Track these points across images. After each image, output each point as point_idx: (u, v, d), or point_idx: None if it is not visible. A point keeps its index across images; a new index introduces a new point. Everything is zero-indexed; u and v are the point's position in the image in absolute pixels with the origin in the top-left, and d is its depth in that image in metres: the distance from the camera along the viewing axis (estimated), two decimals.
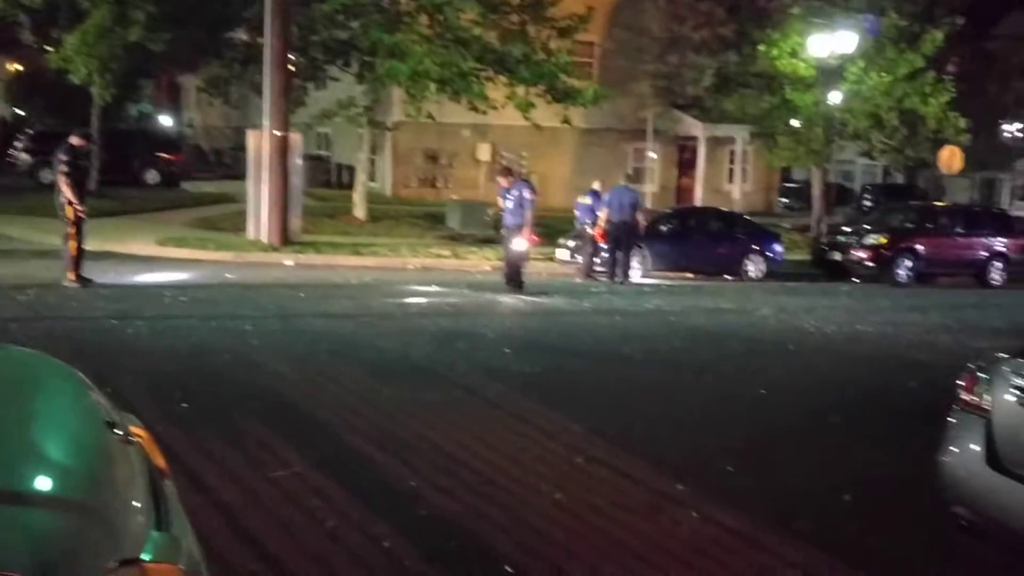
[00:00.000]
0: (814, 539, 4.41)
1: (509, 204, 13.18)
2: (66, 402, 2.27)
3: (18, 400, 2.22)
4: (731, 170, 33.17)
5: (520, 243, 13.02)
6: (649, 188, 30.50)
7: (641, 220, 15.61)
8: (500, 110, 19.74)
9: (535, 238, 13.84)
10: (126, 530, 1.77)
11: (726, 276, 17.83)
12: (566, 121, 20.71)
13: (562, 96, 20.23)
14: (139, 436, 2.39)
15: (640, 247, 16.32)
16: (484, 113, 20.18)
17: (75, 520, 1.67)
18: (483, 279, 14.95)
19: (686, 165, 33.32)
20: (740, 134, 30.52)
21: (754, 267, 18.12)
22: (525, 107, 19.71)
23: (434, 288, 13.01)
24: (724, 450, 5.81)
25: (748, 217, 20.38)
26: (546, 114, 20.64)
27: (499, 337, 9.39)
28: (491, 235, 20.24)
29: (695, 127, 31.16)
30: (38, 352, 2.74)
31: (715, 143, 31.68)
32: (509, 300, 12.32)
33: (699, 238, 18.10)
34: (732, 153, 32.67)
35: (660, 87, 31.39)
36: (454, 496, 4.72)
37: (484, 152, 29.39)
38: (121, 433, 2.19)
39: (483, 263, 16.79)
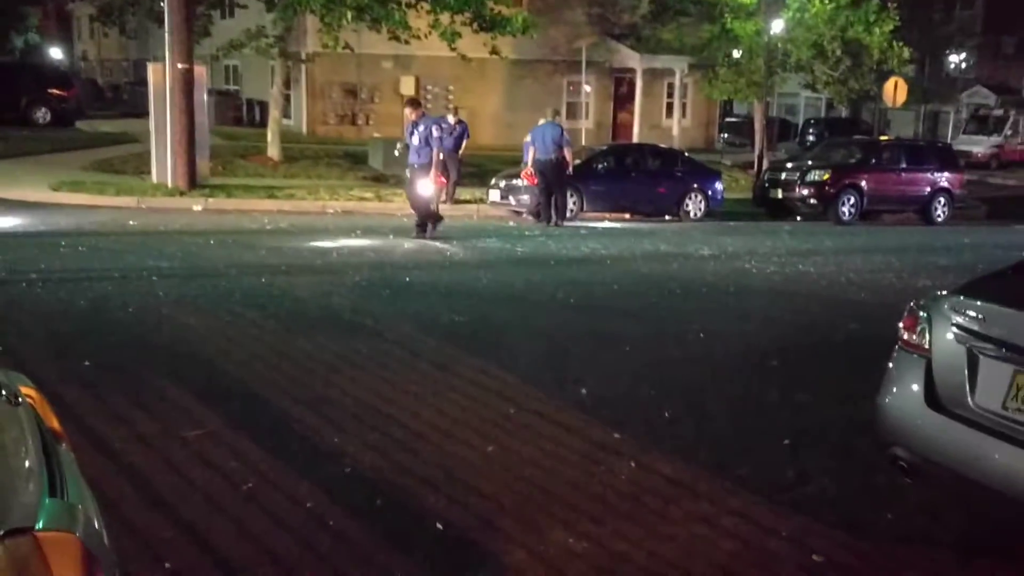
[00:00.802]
0: (753, 485, 4.53)
1: (415, 141, 12.64)
2: None
3: None
4: (669, 104, 33.34)
5: (426, 186, 12.59)
6: (584, 124, 30.51)
7: (570, 158, 15.60)
8: (424, 40, 19.42)
9: (442, 180, 13.48)
10: (14, 498, 1.73)
11: (665, 216, 18.00)
12: (495, 52, 20.46)
13: (490, 25, 19.96)
14: (29, 396, 2.33)
15: (574, 187, 16.36)
16: (407, 43, 19.83)
17: None
18: (408, 223, 14.84)
19: (623, 99, 33.37)
20: (679, 66, 30.64)
21: (694, 207, 18.34)
22: (450, 37, 19.41)
23: (356, 233, 12.87)
24: (661, 396, 5.92)
25: (687, 154, 20.55)
26: (473, 44, 20.38)
27: (426, 286, 9.37)
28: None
29: (632, 58, 31.16)
30: None
31: (653, 75, 31.74)
32: (437, 245, 12.27)
33: (636, 177, 18.21)
34: (670, 86, 32.80)
35: (595, 15, 31.29)
36: (380, 452, 4.73)
37: (408, 86, 28.99)
38: (7, 394, 2.13)
39: (407, 206, 16.64)
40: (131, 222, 13.02)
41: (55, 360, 5.93)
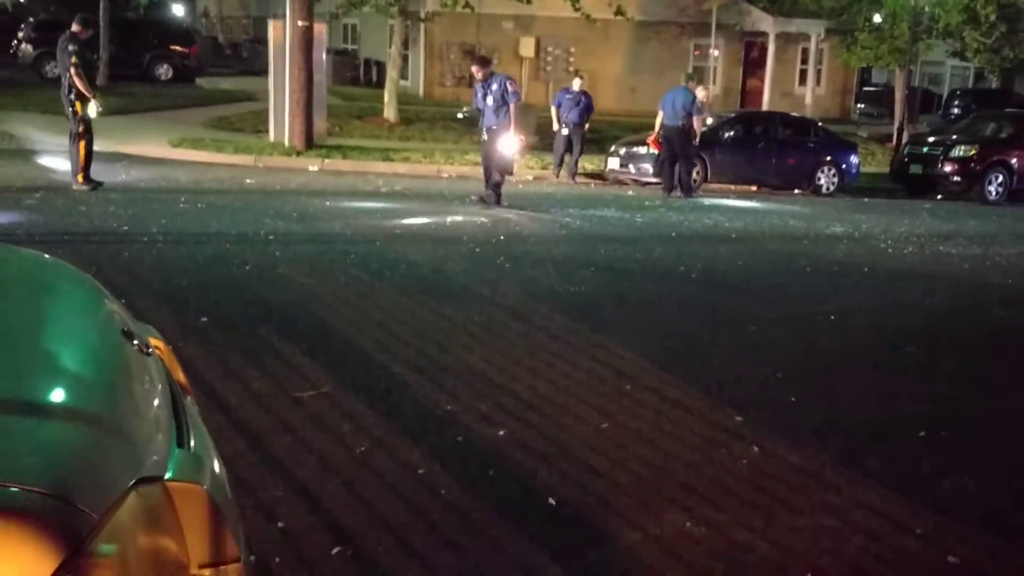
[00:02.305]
0: (885, 478, 4.40)
1: (489, 102, 12.15)
2: (80, 308, 2.29)
3: (28, 304, 2.24)
4: (803, 71, 32.41)
5: (510, 144, 12.13)
6: (711, 90, 29.94)
7: (698, 127, 15.27)
8: (545, 0, 19.34)
9: (523, 138, 13.00)
10: (147, 447, 1.80)
11: (795, 190, 17.56)
12: (619, 12, 20.25)
13: None
14: (158, 348, 2.42)
15: (700, 156, 16.09)
16: (528, 3, 19.81)
17: (93, 434, 1.69)
18: (524, 189, 14.87)
19: (753, 64, 32.59)
20: (815, 30, 29.73)
21: (827, 180, 17.83)
22: None
23: (471, 199, 12.96)
24: (788, 379, 5.79)
25: (821, 124, 19.95)
26: (597, 4, 20.18)
27: (542, 255, 9.38)
28: (533, 140, 20.07)
29: (764, 21, 30.35)
30: (48, 255, 2.76)
31: (786, 40, 30.86)
32: (558, 213, 12.25)
33: (765, 147, 17.77)
34: (805, 52, 31.85)
35: None
36: (493, 422, 4.77)
37: (528, 47, 28.96)
38: (139, 344, 2.21)
39: (524, 172, 16.67)
40: (248, 180, 13.41)
41: (174, 315, 6.16)
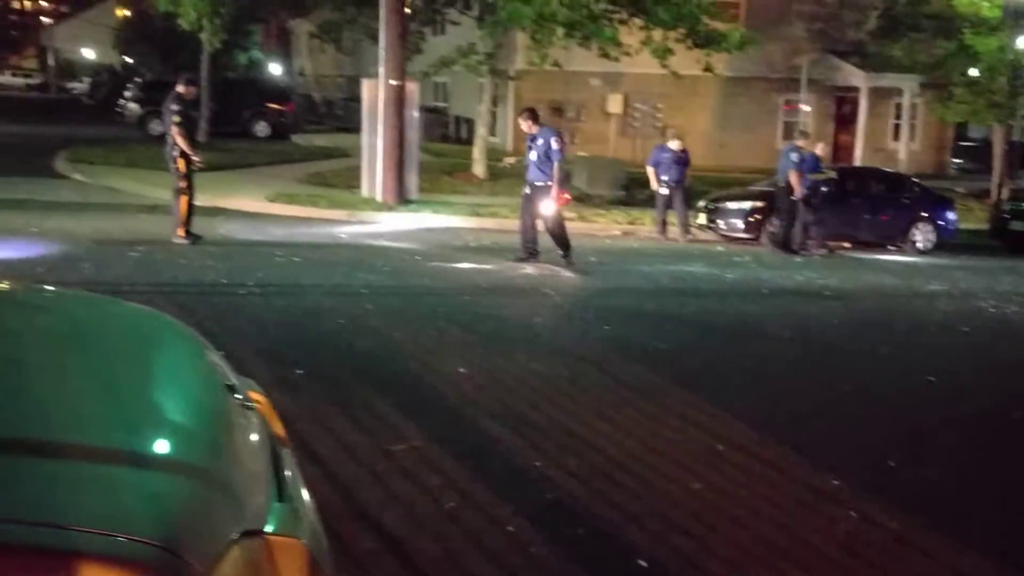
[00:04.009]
0: (987, 547, 4.22)
1: (532, 156, 11.56)
2: (185, 362, 2.35)
3: (136, 358, 2.31)
4: (897, 126, 31.85)
5: (548, 206, 11.64)
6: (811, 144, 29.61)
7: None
8: (634, 57, 19.46)
9: (566, 197, 12.43)
10: (249, 500, 1.83)
11: (889, 246, 17.18)
12: (708, 69, 20.23)
13: (704, 41, 19.77)
14: (258, 402, 2.47)
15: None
16: (616, 60, 19.94)
17: (198, 486, 1.73)
18: (611, 244, 14.87)
19: (844, 120, 32.17)
20: (908, 85, 29.25)
21: (922, 237, 17.39)
22: (662, 53, 19.36)
23: (559, 253, 12.99)
24: (885, 443, 5.63)
25: (916, 179, 19.52)
26: (685, 61, 20.23)
27: (629, 310, 9.33)
28: (621, 196, 20.08)
29: (856, 76, 29.98)
30: (154, 310, 2.85)
31: (878, 95, 30.42)
32: (646, 268, 12.19)
33: (859, 203, 17.43)
34: (898, 106, 31.33)
35: (816, 31, 30.37)
36: (582, 480, 4.72)
37: (615, 104, 29.10)
38: (241, 398, 2.27)
39: (612, 227, 16.68)
40: (341, 235, 13.69)
41: (269, 366, 6.28)
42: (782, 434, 5.63)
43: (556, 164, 11.51)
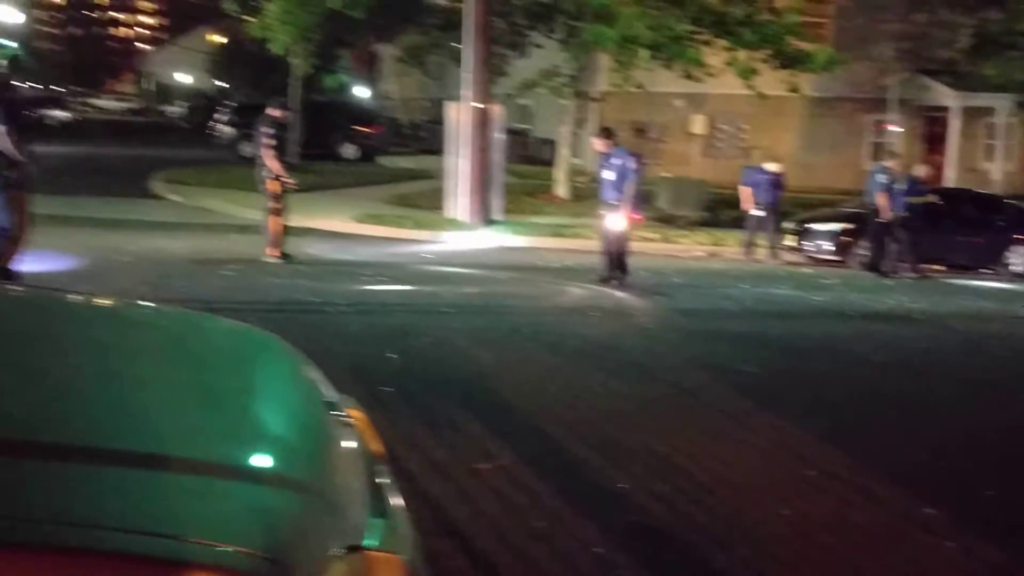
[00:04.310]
0: None
1: (609, 175, 11.49)
2: (286, 378, 2.40)
3: (238, 373, 2.36)
4: (990, 146, 30.97)
5: (618, 221, 11.51)
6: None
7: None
8: (717, 78, 19.32)
9: (637, 216, 12.28)
10: (349, 515, 1.85)
11: (983, 270, 16.67)
12: (794, 89, 19.99)
13: (790, 61, 19.55)
14: (356, 418, 2.51)
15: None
16: (699, 81, 19.83)
17: (303, 500, 1.76)
18: (695, 266, 14.74)
19: (934, 140, 31.37)
20: (1002, 104, 28.42)
21: (1018, 260, 16.83)
22: (747, 74, 19.19)
23: (643, 274, 12.93)
24: (983, 471, 5.45)
25: (1011, 201, 18.93)
26: (770, 81, 20.01)
27: (714, 330, 9.23)
28: (705, 217, 19.91)
29: (947, 96, 29.27)
30: (254, 327, 2.92)
31: (971, 115, 29.64)
32: (731, 290, 12.05)
33: (951, 225, 16.97)
34: (991, 126, 30.47)
35: (905, 50, 29.75)
36: (669, 503, 4.67)
37: (699, 124, 28.93)
38: (340, 413, 2.30)
39: (695, 248, 16.54)
40: (426, 255, 13.84)
41: (358, 384, 6.35)
42: (873, 460, 5.49)
43: (631, 184, 11.45)
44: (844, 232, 15.79)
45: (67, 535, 1.46)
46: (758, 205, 15.76)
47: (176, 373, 2.33)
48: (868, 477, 5.22)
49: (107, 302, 3.99)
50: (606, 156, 11.63)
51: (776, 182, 15.99)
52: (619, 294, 11.11)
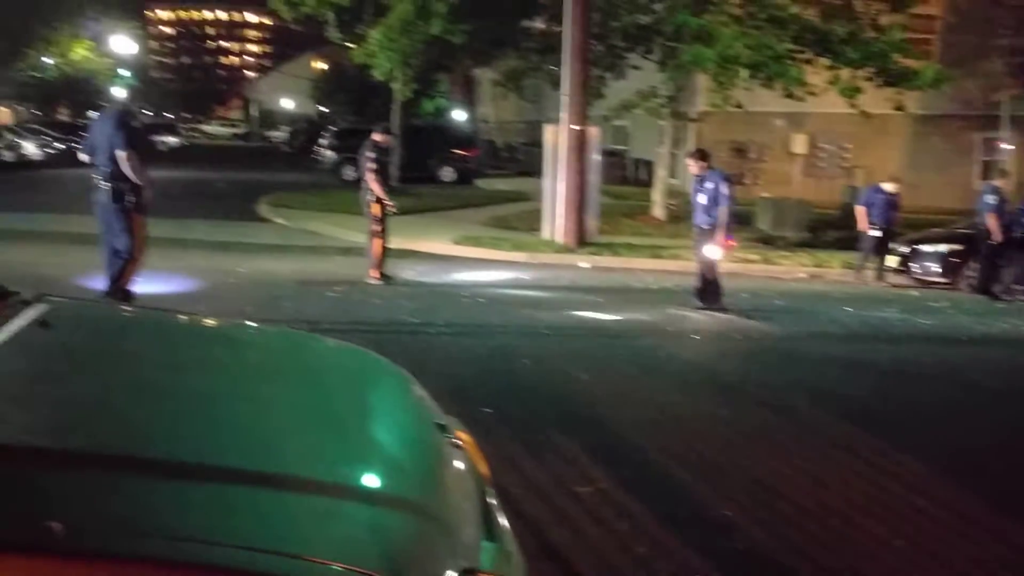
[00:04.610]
0: None
1: (702, 199, 11.18)
2: (399, 400, 2.45)
3: (354, 394, 2.42)
4: None
5: (713, 249, 11.18)
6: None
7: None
8: (819, 97, 18.98)
9: (731, 242, 11.78)
10: (462, 538, 1.88)
11: None
12: (899, 107, 19.50)
13: (896, 79, 19.07)
14: (465, 441, 2.54)
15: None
16: (801, 100, 19.50)
17: (418, 522, 1.80)
18: (797, 287, 14.46)
19: None
20: None
21: None
22: (850, 92, 18.80)
23: (743, 296, 12.75)
24: None
25: None
26: (874, 99, 19.55)
27: (816, 355, 9.04)
28: (806, 237, 19.53)
29: None
30: (367, 349, 2.98)
31: None
32: (835, 312, 11.79)
33: None
34: None
35: (1016, 65, 28.78)
36: (774, 531, 4.59)
37: (800, 144, 28.42)
38: (451, 437, 2.34)
39: (797, 269, 16.22)
40: (523, 276, 13.89)
41: (459, 405, 6.39)
42: (988, 491, 5.30)
43: (724, 208, 11.10)
44: (953, 253, 15.28)
45: (191, 550, 1.52)
46: (873, 225, 15.37)
47: (293, 393, 2.40)
48: (982, 508, 5.04)
49: (222, 322, 4.13)
50: (700, 178, 11.39)
51: (893, 202, 15.57)
52: (720, 316, 10.96)
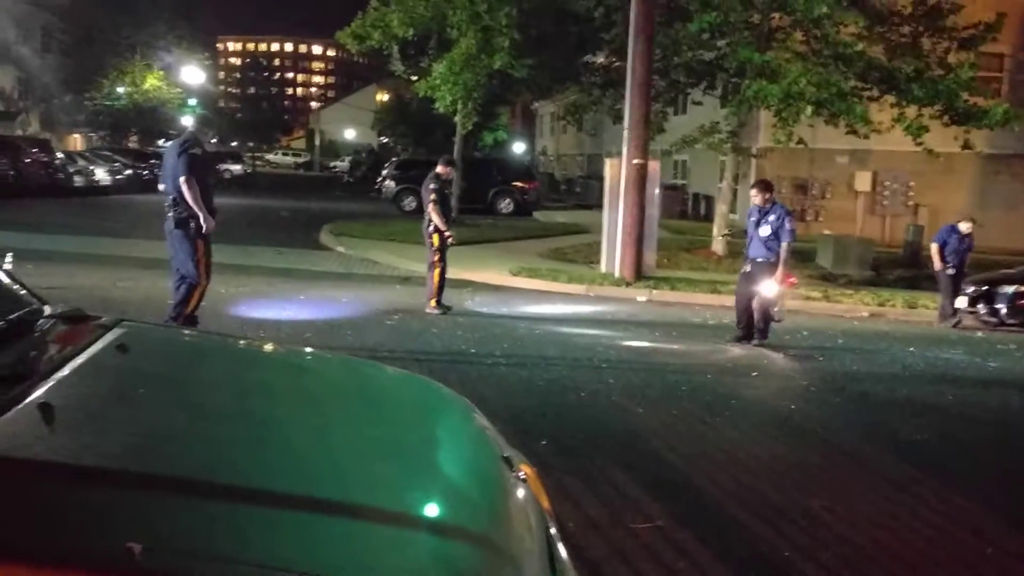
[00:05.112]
0: None
1: (764, 231, 10.98)
2: (464, 432, 2.48)
3: (419, 425, 2.46)
4: None
5: (771, 287, 10.96)
6: None
7: None
8: (883, 134, 18.78)
9: (792, 280, 11.49)
10: (526, 571, 1.89)
11: None
12: (967, 146, 19.21)
13: (963, 117, 18.82)
14: (528, 474, 2.56)
15: None
16: (865, 138, 19.32)
17: (484, 554, 1.81)
18: (859, 326, 14.25)
19: None
20: None
21: None
22: (917, 131, 18.57)
23: (803, 334, 12.60)
24: None
25: None
26: (940, 138, 19.30)
27: (881, 394, 8.89)
28: (869, 276, 19.27)
29: None
30: (429, 378, 3.02)
31: None
32: (898, 353, 11.60)
33: None
34: None
35: None
36: (833, 574, 4.51)
37: (863, 181, 28.14)
38: (515, 470, 2.35)
39: (859, 308, 15.99)
40: (581, 309, 13.89)
41: (515, 436, 6.40)
42: None
43: (787, 244, 10.99)
44: (1021, 295, 14.97)
45: None
46: (948, 264, 15.13)
47: (358, 421, 2.44)
48: None
49: (288, 349, 4.21)
50: (762, 210, 11.18)
51: (967, 243, 15.34)
52: (778, 355, 10.84)
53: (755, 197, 11.33)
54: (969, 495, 5.86)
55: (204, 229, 8.92)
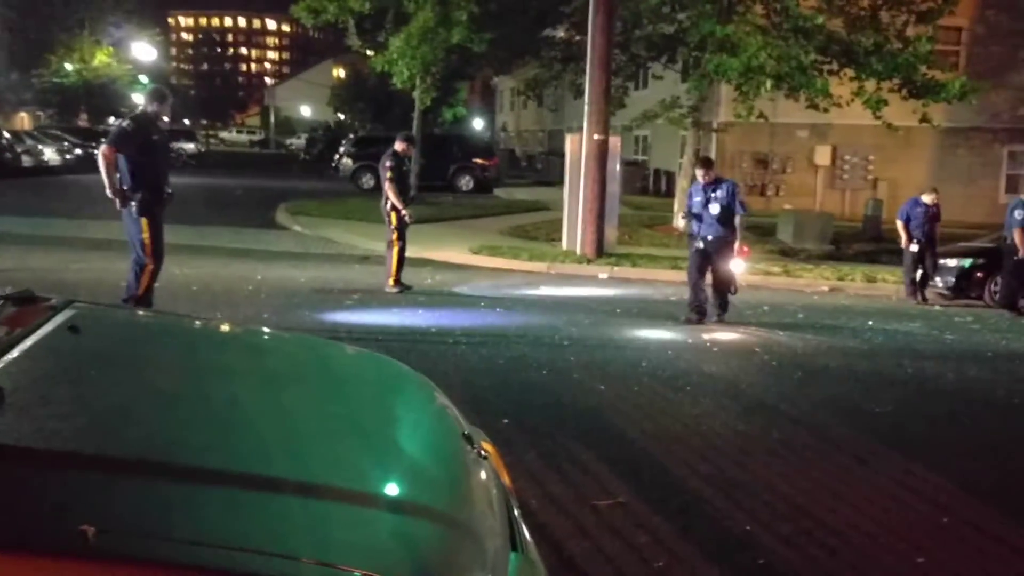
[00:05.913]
0: None
1: (714, 209, 10.96)
2: (424, 410, 2.48)
3: (379, 403, 2.46)
4: None
5: (739, 264, 11.18)
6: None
7: (1020, 241, 14.10)
8: (844, 108, 18.96)
9: (747, 251, 11.59)
10: (489, 548, 1.91)
11: None
12: (925, 120, 19.45)
13: (922, 91, 19.06)
14: (489, 451, 2.57)
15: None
16: (825, 112, 19.50)
17: (446, 531, 1.83)
18: (819, 301, 14.43)
19: None
20: None
21: None
22: (876, 104, 18.78)
23: (764, 309, 12.74)
24: None
25: None
26: (900, 112, 19.54)
27: (841, 368, 9.03)
28: (829, 250, 19.49)
29: None
30: (388, 357, 3.02)
31: None
32: (858, 327, 11.77)
33: None
34: None
35: None
36: (795, 547, 4.60)
37: (823, 156, 28.41)
38: (475, 447, 2.36)
39: (819, 282, 16.19)
40: (542, 286, 13.93)
41: (475, 415, 6.41)
42: (1011, 509, 5.28)
43: (741, 217, 11.08)
44: (977, 268, 15.23)
45: (216, 556, 1.54)
46: (915, 239, 15.22)
47: (317, 400, 2.43)
48: (1007, 527, 5.02)
49: (244, 329, 4.18)
50: (709, 187, 11.12)
51: (932, 214, 15.42)
52: (738, 330, 10.96)
53: (700, 176, 11.26)
54: (927, 466, 5.98)
55: (151, 206, 8.73)
